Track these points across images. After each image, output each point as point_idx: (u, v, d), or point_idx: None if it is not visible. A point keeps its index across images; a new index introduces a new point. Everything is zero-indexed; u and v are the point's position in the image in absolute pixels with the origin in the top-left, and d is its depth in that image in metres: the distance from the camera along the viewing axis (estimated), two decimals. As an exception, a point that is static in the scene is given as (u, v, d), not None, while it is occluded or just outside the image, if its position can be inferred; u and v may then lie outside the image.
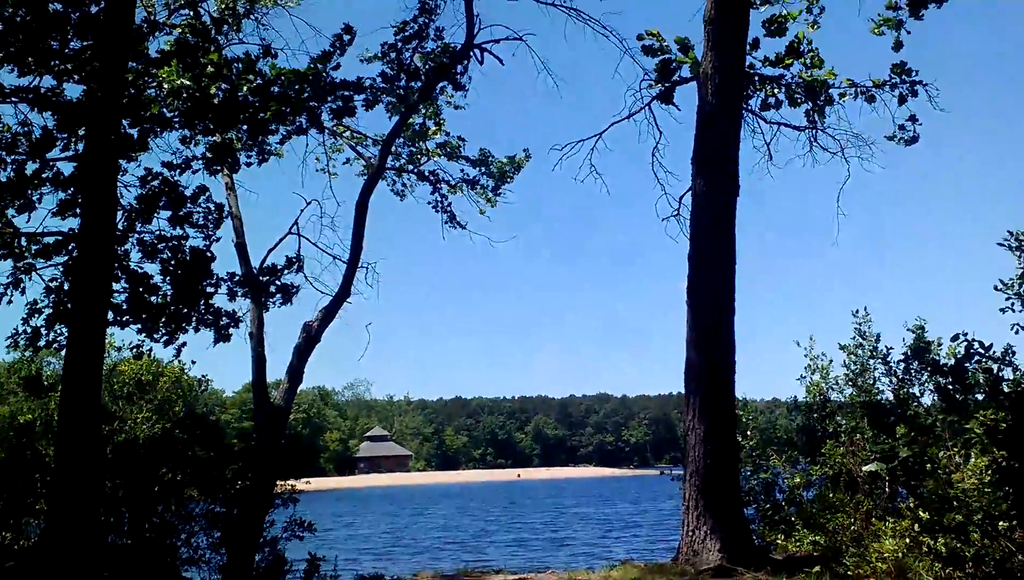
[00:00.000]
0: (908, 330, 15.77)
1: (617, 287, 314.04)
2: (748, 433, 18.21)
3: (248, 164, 17.89)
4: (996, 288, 11.35)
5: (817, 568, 12.88)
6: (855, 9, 17.82)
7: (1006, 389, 11.12)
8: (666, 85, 18.20)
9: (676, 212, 18.39)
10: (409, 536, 51.07)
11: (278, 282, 18.29)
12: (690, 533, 14.07)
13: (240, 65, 15.82)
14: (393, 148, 20.98)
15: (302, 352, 17.56)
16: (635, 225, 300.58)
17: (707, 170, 15.30)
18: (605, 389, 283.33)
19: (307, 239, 19.41)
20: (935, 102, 17.78)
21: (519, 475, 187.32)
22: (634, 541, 42.09)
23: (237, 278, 17.57)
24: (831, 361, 18.13)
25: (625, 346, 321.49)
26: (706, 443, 14.38)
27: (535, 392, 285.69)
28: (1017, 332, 11.41)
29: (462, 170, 22.18)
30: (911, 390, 16.50)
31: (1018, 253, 11.16)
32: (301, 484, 15.73)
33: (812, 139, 18.74)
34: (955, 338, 11.60)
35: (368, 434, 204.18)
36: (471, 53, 19.31)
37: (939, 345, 14.08)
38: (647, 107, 18.37)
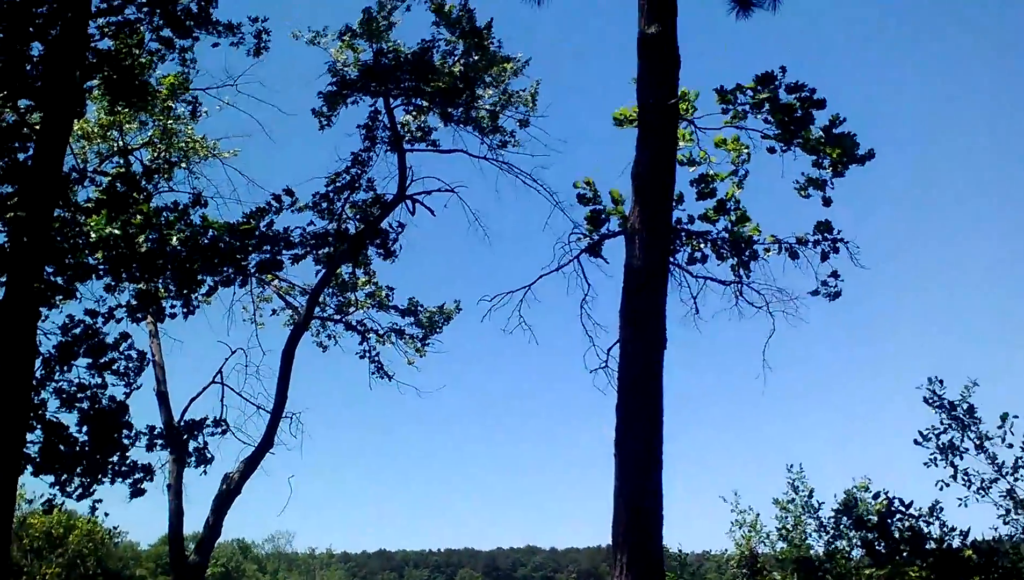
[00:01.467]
0: (851, 486, 15.89)
1: (546, 438, 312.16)
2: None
3: (173, 315, 17.66)
4: (916, 442, 11.49)
5: None
6: (779, 170, 18.35)
7: (931, 546, 11.09)
8: (595, 238, 18.46)
9: (604, 364, 18.40)
10: None
11: (198, 441, 17.88)
12: None
13: (169, 215, 15.79)
14: (321, 298, 20.96)
15: (221, 504, 17.12)
16: (564, 376, 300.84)
17: (634, 323, 15.40)
18: (533, 541, 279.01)
19: (231, 388, 19.15)
20: (856, 259, 18.24)
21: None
22: None
23: (157, 431, 17.17)
24: (758, 515, 18.14)
25: (554, 498, 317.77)
26: (634, 601, 14.09)
27: (462, 544, 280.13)
28: (942, 488, 11.50)
29: (392, 322, 22.25)
30: (841, 545, 16.53)
31: (935, 404, 11.35)
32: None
33: (738, 293, 19.00)
34: (876, 496, 11.65)
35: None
36: (403, 204, 19.55)
37: (867, 502, 14.16)
38: (576, 259, 18.57)
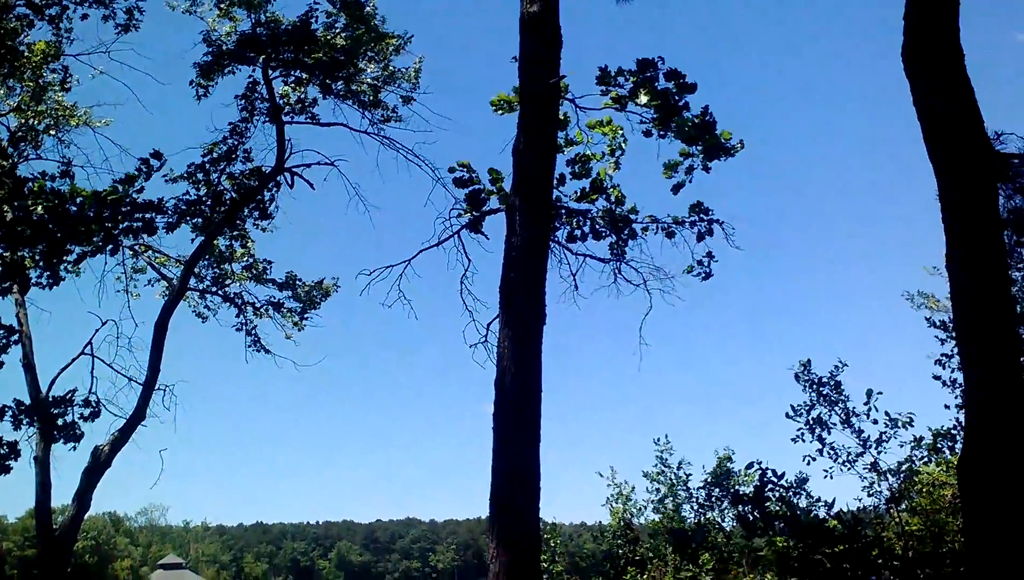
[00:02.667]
0: (717, 456, 16.29)
1: (426, 411, 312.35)
2: (555, 558, 18.26)
3: (39, 285, 17.05)
4: (787, 415, 11.83)
5: None
6: (654, 153, 18.64)
7: (800, 517, 11.47)
8: (476, 215, 18.47)
9: (484, 339, 18.48)
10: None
11: (67, 417, 17.34)
12: (493, 665, 13.81)
13: (36, 184, 15.24)
14: (198, 270, 20.55)
15: (90, 477, 16.69)
16: (444, 351, 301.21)
17: (514, 299, 15.50)
18: (413, 514, 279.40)
19: (101, 360, 18.62)
20: (731, 240, 18.66)
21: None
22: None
23: (23, 407, 16.60)
24: (633, 488, 18.50)
25: (433, 471, 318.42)
26: (509, 571, 14.24)
27: (340, 517, 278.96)
28: (809, 463, 11.87)
29: (269, 296, 21.96)
30: (713, 516, 16.97)
31: (804, 382, 11.69)
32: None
33: (616, 271, 19.27)
34: (750, 466, 11.98)
35: (162, 562, 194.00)
36: (281, 176, 19.26)
37: (744, 474, 14.54)
38: (456, 235, 18.55)
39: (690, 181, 18.64)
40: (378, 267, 18.84)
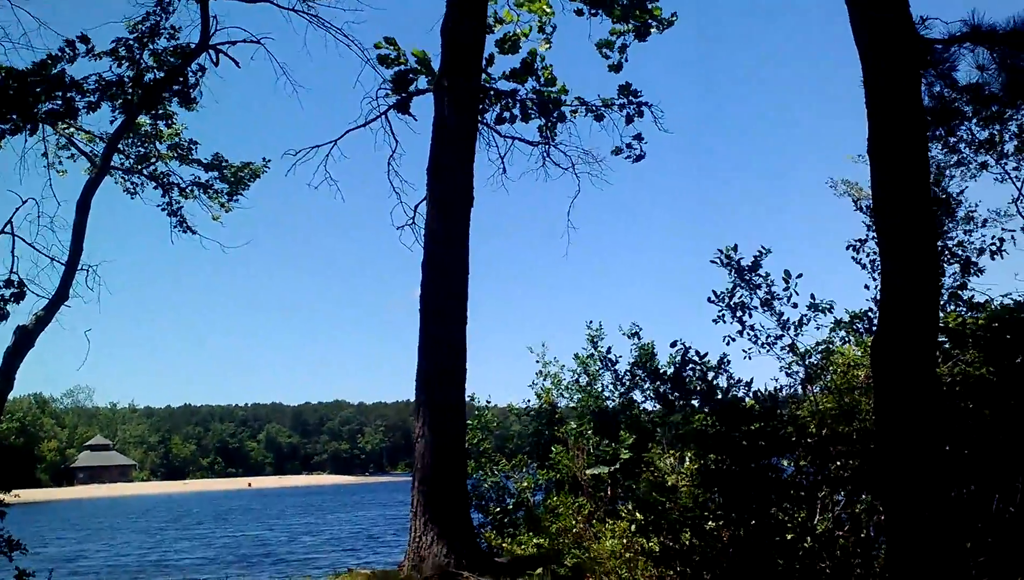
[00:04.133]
0: (623, 333, 16.57)
1: (354, 294, 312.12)
2: (483, 438, 18.57)
3: (-46, 162, 16.57)
4: (709, 300, 12.00)
5: (539, 570, 13.26)
6: (586, 32, 18.51)
7: (718, 396, 11.75)
8: (403, 95, 18.25)
9: (411, 221, 18.47)
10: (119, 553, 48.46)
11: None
12: (416, 539, 14.14)
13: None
14: (122, 148, 20.09)
15: (13, 357, 16.48)
16: (371, 233, 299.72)
17: (442, 180, 15.47)
18: (341, 396, 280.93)
19: (22, 239, 18.20)
20: (660, 123, 18.74)
21: (250, 484, 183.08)
22: (365, 548, 41.80)
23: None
24: (563, 366, 18.81)
25: (363, 353, 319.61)
26: (434, 450, 14.49)
27: (268, 399, 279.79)
28: (728, 343, 12.10)
29: (195, 176, 21.65)
30: (635, 397, 17.35)
31: (728, 268, 11.84)
32: (10, 497, 14.73)
33: (545, 154, 19.29)
34: (673, 345, 12.19)
35: (89, 443, 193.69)
36: (206, 54, 18.76)
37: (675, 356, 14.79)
38: (384, 116, 18.35)
39: (625, 60, 18.59)
40: (304, 147, 18.59)
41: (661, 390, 12.56)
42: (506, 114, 18.76)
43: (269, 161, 21.97)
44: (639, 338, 15.34)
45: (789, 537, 11.04)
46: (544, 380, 19.27)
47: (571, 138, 19.06)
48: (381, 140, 18.91)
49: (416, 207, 18.37)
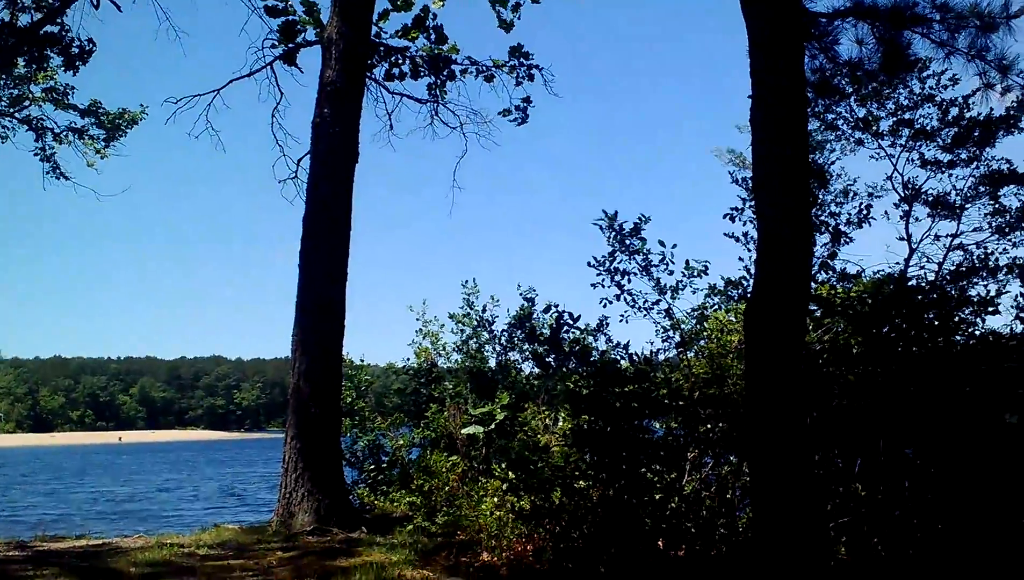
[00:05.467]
0: (521, 296, 16.61)
1: (235, 248, 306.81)
2: (359, 397, 18.46)
3: None
4: (589, 264, 12.06)
5: (410, 527, 13.25)
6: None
7: (594, 358, 11.85)
8: (290, 46, 17.88)
9: (294, 175, 18.18)
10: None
11: None
12: (287, 495, 14.01)
13: None
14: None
15: None
16: (253, 185, 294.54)
17: (326, 135, 15.21)
18: (219, 351, 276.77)
19: None
20: (550, 87, 18.77)
21: (120, 438, 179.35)
22: (235, 505, 41.24)
23: None
24: (443, 325, 18.77)
25: (241, 309, 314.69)
26: (309, 406, 14.34)
27: (143, 353, 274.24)
28: (605, 306, 12.19)
29: (70, 121, 20.99)
30: (513, 357, 17.41)
31: (609, 233, 11.91)
32: None
33: (434, 112, 19.17)
34: (547, 309, 12.26)
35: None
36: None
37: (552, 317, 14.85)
38: (269, 66, 17.98)
39: (518, 19, 18.53)
40: (185, 96, 18.10)
41: (539, 351, 12.58)
42: (395, 71, 18.56)
43: (147, 108, 21.44)
44: (533, 303, 15.37)
45: (657, 497, 11.22)
46: (424, 339, 19.22)
47: (460, 98, 19.04)
48: (266, 92, 18.59)
49: (300, 161, 18.12)
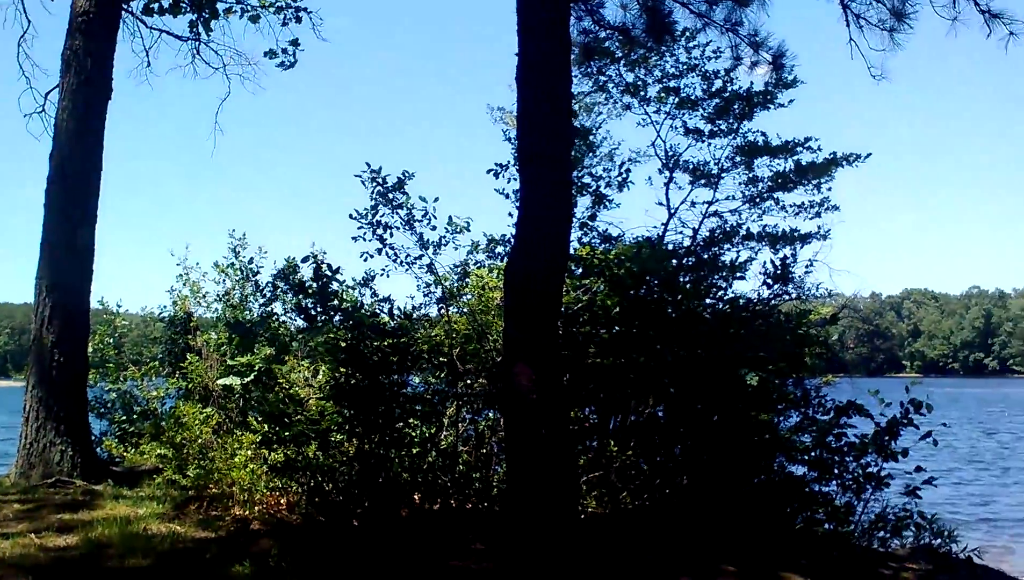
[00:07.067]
0: (230, 239, 16.24)
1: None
2: (110, 345, 17.73)
3: None
4: (351, 216, 11.91)
5: (159, 479, 12.85)
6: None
7: (353, 311, 11.72)
8: (33, -26, 16.75)
9: (42, 108, 17.08)
10: None
11: None
12: (28, 446, 13.28)
13: None
14: None
15: None
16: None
17: (77, 68, 14.34)
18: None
19: None
20: (318, 31, 18.33)
21: None
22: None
23: None
24: (205, 274, 18.19)
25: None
26: (52, 353, 13.61)
27: None
28: (366, 259, 12.08)
29: None
30: (276, 309, 17.04)
31: (372, 186, 11.79)
32: None
33: (195, 51, 18.39)
34: (305, 260, 12.04)
35: None
36: None
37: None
38: (15, -8, 16.80)
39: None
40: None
41: (303, 304, 12.34)
42: (154, 4, 17.60)
43: None
44: (316, 260, 15.07)
45: (415, 451, 11.27)
46: (184, 287, 18.56)
47: (225, 37, 18.34)
48: (12, 18, 17.43)
49: (47, 94, 17.02)
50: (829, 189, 17.42)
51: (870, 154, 17.03)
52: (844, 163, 17.06)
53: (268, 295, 16.69)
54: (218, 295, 18.13)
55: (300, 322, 13.14)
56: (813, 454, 11.16)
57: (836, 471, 11.16)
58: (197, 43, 18.23)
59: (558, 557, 8.85)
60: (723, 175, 17.70)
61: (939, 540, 11.31)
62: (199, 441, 12.75)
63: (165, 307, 18.70)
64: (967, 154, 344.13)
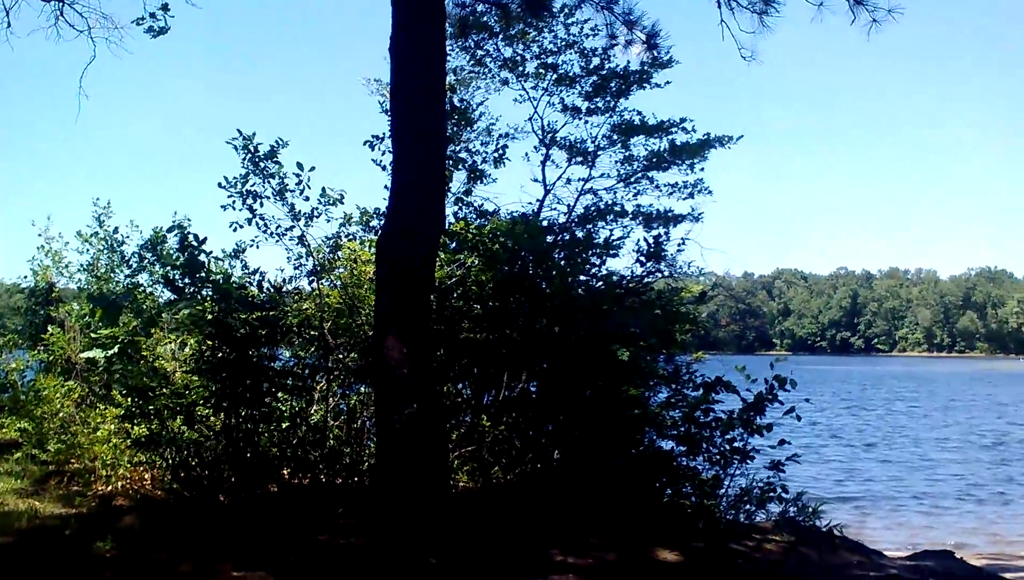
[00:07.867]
0: (94, 207, 15.78)
1: None
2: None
3: None
4: (220, 185, 11.64)
5: (18, 454, 12.43)
6: None
7: (221, 283, 11.43)
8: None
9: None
10: None
11: None
12: None
13: None
14: None
15: None
16: None
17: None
18: None
19: None
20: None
21: None
22: None
23: None
24: (67, 243, 17.61)
25: None
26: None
27: None
28: (235, 230, 11.82)
29: None
30: (142, 280, 16.57)
31: (244, 153, 11.52)
32: None
33: (59, 13, 17.64)
34: (171, 229, 11.69)
35: None
36: None
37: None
38: None
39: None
40: None
41: (170, 275, 11.98)
42: (10, -36, 16.82)
43: None
44: (182, 230, 14.68)
45: (284, 426, 11.11)
46: (45, 256, 17.92)
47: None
48: None
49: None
50: (702, 169, 17.76)
51: (742, 136, 17.44)
52: (717, 144, 17.40)
53: (134, 266, 16.24)
54: (82, 265, 17.55)
55: (168, 294, 12.78)
56: (682, 429, 11.31)
57: (704, 446, 11.34)
58: (61, 4, 17.45)
59: (428, 531, 8.83)
60: (599, 153, 17.87)
61: (803, 516, 11.65)
62: (60, 415, 12.38)
63: (25, 277, 18.06)
64: (838, 139, 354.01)
